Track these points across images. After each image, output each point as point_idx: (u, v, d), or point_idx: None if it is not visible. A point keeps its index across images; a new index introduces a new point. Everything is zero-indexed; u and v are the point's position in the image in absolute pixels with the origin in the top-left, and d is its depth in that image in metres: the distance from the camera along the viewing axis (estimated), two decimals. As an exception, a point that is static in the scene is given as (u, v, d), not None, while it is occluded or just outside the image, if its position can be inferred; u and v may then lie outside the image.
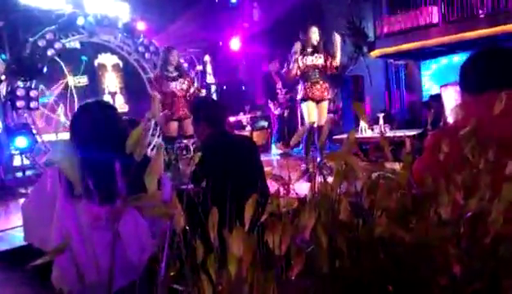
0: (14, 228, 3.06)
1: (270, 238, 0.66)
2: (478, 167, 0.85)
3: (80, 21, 6.38)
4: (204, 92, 5.70)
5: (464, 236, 0.70)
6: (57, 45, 6.16)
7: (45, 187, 1.49)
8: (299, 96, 4.98)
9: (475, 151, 0.91)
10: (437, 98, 5.43)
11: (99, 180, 1.26)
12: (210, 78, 8.58)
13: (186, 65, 6.31)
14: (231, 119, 7.42)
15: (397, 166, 0.98)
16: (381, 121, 6.28)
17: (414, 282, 0.69)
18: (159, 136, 7.08)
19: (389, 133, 6.02)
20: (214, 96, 8.34)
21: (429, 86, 6.49)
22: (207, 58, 8.57)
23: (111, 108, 1.76)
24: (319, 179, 0.85)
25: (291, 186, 0.86)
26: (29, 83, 5.78)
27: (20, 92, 5.69)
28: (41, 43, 5.92)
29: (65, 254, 0.55)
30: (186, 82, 5.33)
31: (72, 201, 1.42)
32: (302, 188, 0.86)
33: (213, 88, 8.57)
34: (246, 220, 0.64)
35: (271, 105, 7.20)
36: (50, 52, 6.03)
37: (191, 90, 5.39)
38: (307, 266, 0.68)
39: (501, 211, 0.71)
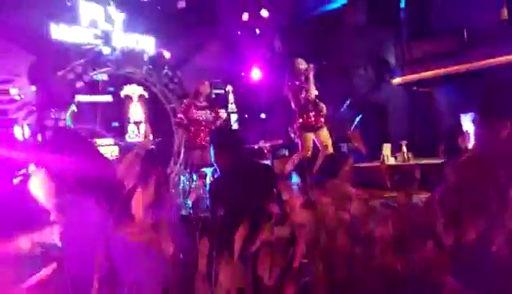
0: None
1: (262, 267, 0.65)
2: (486, 195, 0.82)
3: (108, 55, 6.67)
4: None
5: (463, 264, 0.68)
6: (86, 78, 6.44)
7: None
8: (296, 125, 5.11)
9: (485, 181, 0.88)
10: (459, 126, 5.33)
11: None
12: (232, 107, 8.73)
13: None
14: (253, 147, 7.45)
15: (423, 194, 0.96)
16: (404, 148, 6.18)
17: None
18: (180, 165, 7.18)
19: (413, 161, 5.90)
20: (236, 125, 8.44)
21: (452, 114, 6.36)
22: (229, 88, 8.75)
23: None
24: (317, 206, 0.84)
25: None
26: (57, 115, 6.03)
27: (50, 123, 5.94)
28: (70, 76, 6.21)
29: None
30: (213, 114, 5.52)
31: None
32: (300, 215, 0.85)
33: (235, 117, 8.70)
34: (236, 250, 0.64)
35: (291, 133, 7.21)
36: (79, 85, 6.30)
37: (218, 122, 5.58)
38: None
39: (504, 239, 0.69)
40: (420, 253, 0.75)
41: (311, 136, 5.02)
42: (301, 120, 5.03)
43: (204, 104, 5.58)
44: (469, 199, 0.83)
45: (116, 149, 7.21)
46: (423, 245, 0.77)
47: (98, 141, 6.84)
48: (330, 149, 5.06)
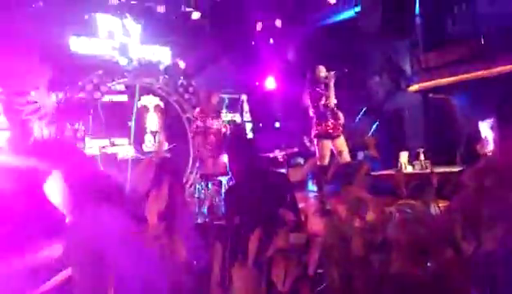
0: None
1: (275, 274, 0.65)
2: (506, 201, 0.80)
3: (125, 66, 6.79)
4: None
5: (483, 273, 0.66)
6: (103, 88, 6.56)
7: None
8: (314, 133, 5.07)
9: (504, 187, 0.86)
10: (477, 133, 5.23)
11: None
12: (247, 116, 8.77)
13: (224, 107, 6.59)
14: (268, 156, 7.45)
15: (441, 203, 0.94)
16: (422, 156, 6.09)
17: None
18: (196, 173, 7.21)
19: (430, 169, 5.79)
20: (251, 134, 8.47)
21: (470, 121, 6.23)
22: (243, 97, 8.80)
23: None
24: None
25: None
26: (76, 125, 6.15)
27: (68, 133, 6.05)
28: (88, 87, 6.33)
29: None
30: (222, 123, 5.59)
31: None
32: (315, 223, 0.85)
33: (250, 126, 8.73)
34: (250, 256, 0.64)
35: (305, 141, 7.20)
36: (96, 95, 6.42)
37: (226, 130, 5.64)
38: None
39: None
40: (439, 261, 0.73)
41: (328, 144, 4.96)
42: (319, 128, 4.98)
43: (214, 114, 5.67)
44: (488, 206, 0.81)
45: (132, 149, 7.32)
46: (441, 253, 0.75)
47: (115, 141, 6.97)
48: (347, 157, 5.01)
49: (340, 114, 5.08)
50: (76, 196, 1.30)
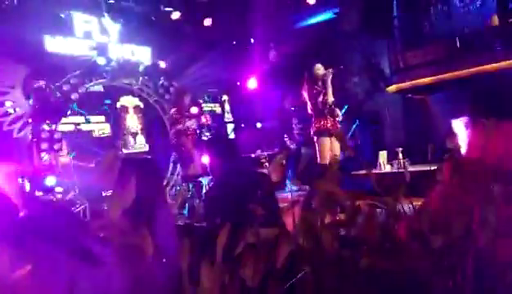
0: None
1: (243, 269, 0.64)
2: (474, 194, 0.82)
3: (103, 66, 6.66)
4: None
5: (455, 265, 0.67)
6: (81, 89, 6.43)
7: None
8: (313, 130, 5.06)
9: (472, 180, 0.88)
10: (451, 130, 5.36)
11: None
12: (228, 116, 8.75)
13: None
14: (250, 156, 7.45)
15: (415, 201, 0.96)
16: (400, 156, 6.20)
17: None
18: (178, 175, 7.16)
19: (410, 168, 5.90)
20: (232, 134, 8.46)
21: (447, 120, 6.35)
22: (225, 97, 8.78)
23: None
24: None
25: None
26: (53, 126, 6.01)
27: (45, 135, 5.91)
28: (65, 88, 6.19)
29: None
30: (195, 123, 5.59)
31: None
32: (289, 217, 0.85)
33: (231, 126, 8.73)
34: (218, 253, 0.63)
35: (287, 141, 7.25)
36: (73, 96, 6.28)
37: (203, 121, 5.67)
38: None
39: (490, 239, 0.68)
40: (408, 254, 0.74)
41: (328, 141, 4.94)
42: (318, 125, 4.97)
43: (189, 113, 5.70)
44: (457, 199, 0.83)
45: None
46: (411, 246, 0.76)
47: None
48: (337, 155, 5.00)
49: (338, 111, 5.10)
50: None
